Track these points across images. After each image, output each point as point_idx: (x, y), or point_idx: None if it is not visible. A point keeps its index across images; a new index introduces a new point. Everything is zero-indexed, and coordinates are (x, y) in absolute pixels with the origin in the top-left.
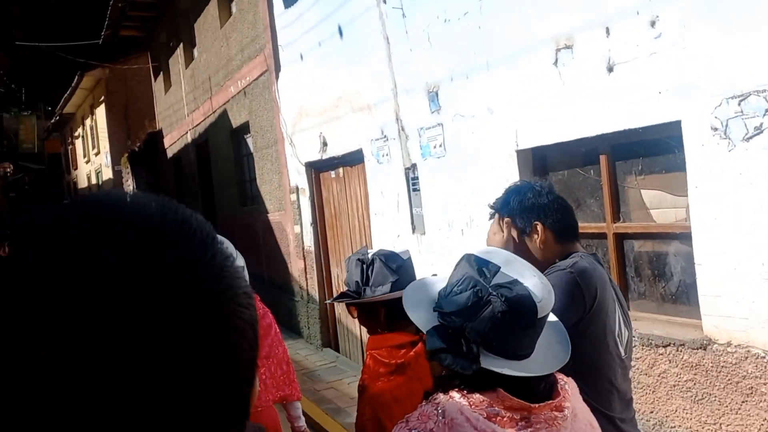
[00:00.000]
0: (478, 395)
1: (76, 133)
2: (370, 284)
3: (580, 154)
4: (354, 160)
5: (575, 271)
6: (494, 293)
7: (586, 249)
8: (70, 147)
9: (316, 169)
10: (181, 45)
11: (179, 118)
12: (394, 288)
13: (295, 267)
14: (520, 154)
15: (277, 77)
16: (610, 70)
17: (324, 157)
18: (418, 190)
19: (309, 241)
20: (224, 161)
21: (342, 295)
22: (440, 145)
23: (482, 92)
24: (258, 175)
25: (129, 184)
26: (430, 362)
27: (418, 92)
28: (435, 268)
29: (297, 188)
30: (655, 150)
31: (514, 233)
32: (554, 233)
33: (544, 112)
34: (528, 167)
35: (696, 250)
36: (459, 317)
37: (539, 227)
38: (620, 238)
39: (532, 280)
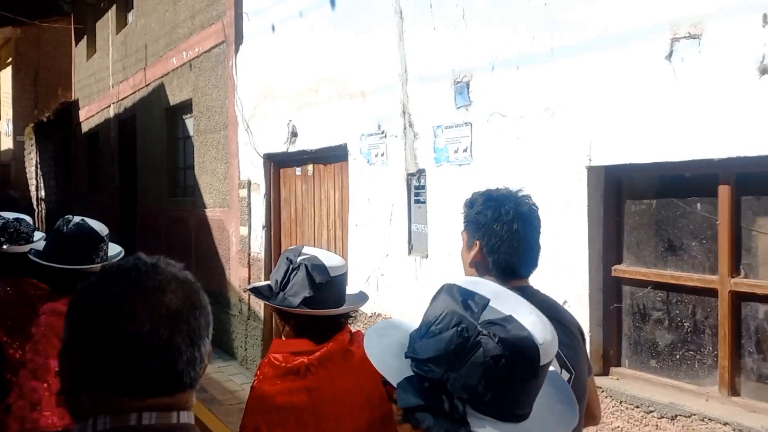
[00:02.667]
0: None
1: None
2: (286, 290)
3: (684, 181)
4: (332, 156)
5: None
6: (485, 332)
7: None
8: None
9: (277, 163)
10: (114, 7)
11: (101, 89)
12: (303, 304)
13: (236, 275)
14: (593, 171)
15: (236, 50)
16: (765, 71)
17: (291, 150)
18: (423, 203)
19: (258, 246)
20: (154, 143)
21: (257, 290)
22: (465, 150)
23: (540, 88)
24: (197, 163)
25: (32, 158)
26: (400, 426)
27: (440, 81)
28: None
29: (249, 183)
30: None
31: (464, 237)
32: (489, 263)
33: (641, 120)
34: (599, 190)
35: None
36: (439, 365)
37: (477, 247)
38: (739, 298)
39: (529, 318)
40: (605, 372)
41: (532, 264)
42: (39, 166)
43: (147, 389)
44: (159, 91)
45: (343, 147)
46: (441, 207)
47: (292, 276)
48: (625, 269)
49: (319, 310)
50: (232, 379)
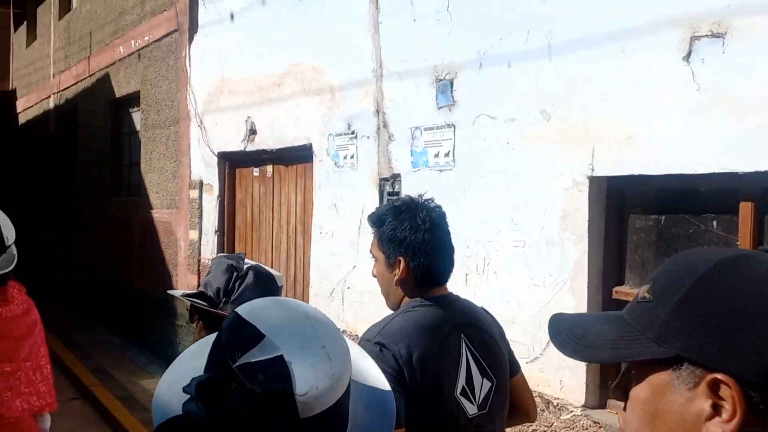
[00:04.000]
0: None
1: None
2: (233, 298)
3: (698, 195)
4: (295, 157)
5: (382, 341)
6: (236, 379)
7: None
8: None
9: (233, 163)
10: None
11: (41, 79)
12: None
13: (184, 282)
14: (595, 182)
15: (190, 39)
16: None
17: (249, 149)
18: None
19: (209, 252)
20: (97, 137)
21: (196, 296)
22: (447, 154)
23: (535, 88)
24: (144, 160)
25: None
26: None
27: (420, 78)
28: None
29: (201, 183)
30: None
31: (381, 257)
32: (416, 276)
33: (651, 126)
34: (601, 203)
35: None
36: (197, 405)
37: (402, 263)
38: None
39: (308, 360)
40: (602, 404)
41: (450, 266)
42: None
43: None
44: (104, 82)
45: (308, 147)
46: None
47: (238, 284)
48: (627, 291)
49: None
50: None
